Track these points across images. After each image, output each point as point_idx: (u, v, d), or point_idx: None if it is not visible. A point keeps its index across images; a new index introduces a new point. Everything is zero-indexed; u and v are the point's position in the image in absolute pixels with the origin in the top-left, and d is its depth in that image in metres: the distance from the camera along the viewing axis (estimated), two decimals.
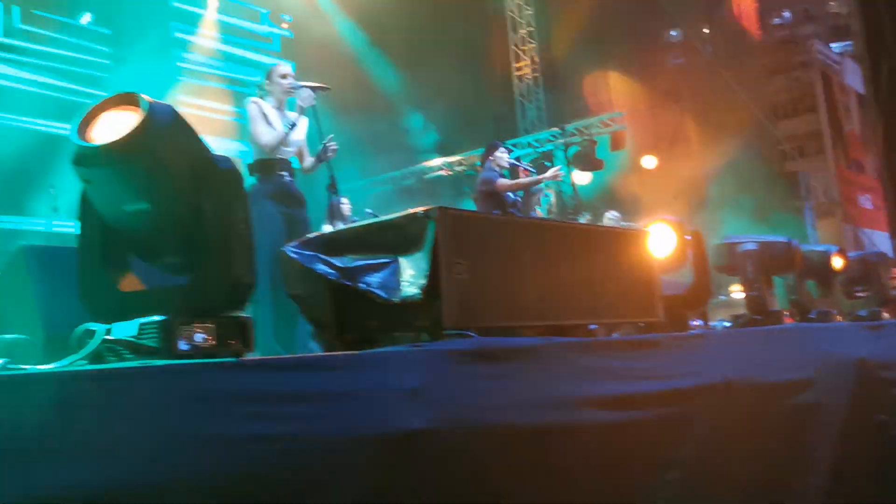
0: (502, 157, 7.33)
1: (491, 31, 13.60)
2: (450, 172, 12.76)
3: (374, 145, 11.13)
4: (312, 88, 4.94)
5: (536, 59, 13.57)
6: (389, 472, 2.17)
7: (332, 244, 2.93)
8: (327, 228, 5.86)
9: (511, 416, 2.52)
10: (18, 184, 9.67)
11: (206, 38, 12.67)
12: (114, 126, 2.00)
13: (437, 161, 12.79)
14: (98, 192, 2.07)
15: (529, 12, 13.58)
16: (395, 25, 12.65)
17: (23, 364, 2.12)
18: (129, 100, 2.01)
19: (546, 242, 3.15)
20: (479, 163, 7.38)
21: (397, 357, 2.37)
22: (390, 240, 2.84)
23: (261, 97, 5.15)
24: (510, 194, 7.04)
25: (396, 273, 2.76)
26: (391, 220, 2.87)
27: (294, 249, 2.86)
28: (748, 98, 12.65)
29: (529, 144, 13.14)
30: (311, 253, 2.86)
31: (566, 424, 2.63)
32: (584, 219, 7.99)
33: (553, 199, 9.23)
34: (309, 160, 5.21)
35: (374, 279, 2.76)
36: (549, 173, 7.30)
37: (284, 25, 13.67)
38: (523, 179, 7.19)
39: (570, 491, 2.63)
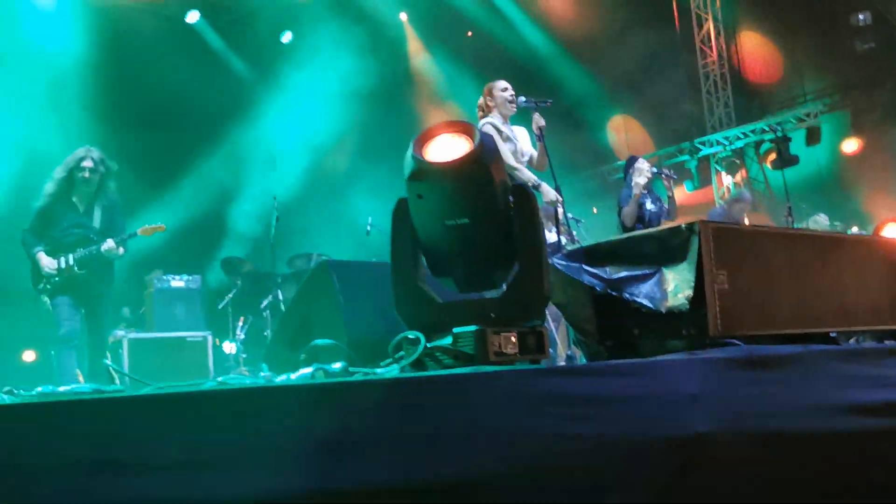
0: (643, 167, 7.16)
1: (676, 29, 13.43)
2: None
3: (559, 147, 11.28)
4: (536, 103, 5.16)
5: (724, 54, 13.28)
6: (678, 471, 2.35)
7: (593, 255, 3.13)
8: (547, 234, 6.02)
9: (780, 421, 2.63)
10: None
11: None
12: (445, 148, 2.32)
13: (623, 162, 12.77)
14: (425, 206, 2.36)
15: (715, 8, 13.31)
16: (580, 27, 12.77)
17: (347, 366, 2.44)
18: (460, 127, 2.32)
19: (797, 252, 3.22)
20: (654, 168, 7.16)
21: (677, 365, 2.54)
22: (652, 251, 3.00)
23: (483, 116, 5.32)
24: (647, 208, 6.93)
25: (660, 283, 2.92)
26: (653, 233, 3.04)
27: (560, 261, 3.08)
28: None
29: (718, 142, 12.91)
30: (577, 264, 3.06)
31: (830, 431, 2.71)
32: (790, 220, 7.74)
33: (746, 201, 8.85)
34: (537, 156, 5.32)
35: (639, 289, 2.93)
36: (642, 179, 6.87)
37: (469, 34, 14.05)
38: (635, 196, 6.82)
39: (836, 495, 2.70)
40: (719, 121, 13.12)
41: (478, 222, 2.35)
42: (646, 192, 7.06)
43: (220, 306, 8.45)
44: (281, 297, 8.34)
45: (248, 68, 12.12)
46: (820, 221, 8.70)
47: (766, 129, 12.31)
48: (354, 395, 1.89)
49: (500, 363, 2.34)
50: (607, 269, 3.05)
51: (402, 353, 2.48)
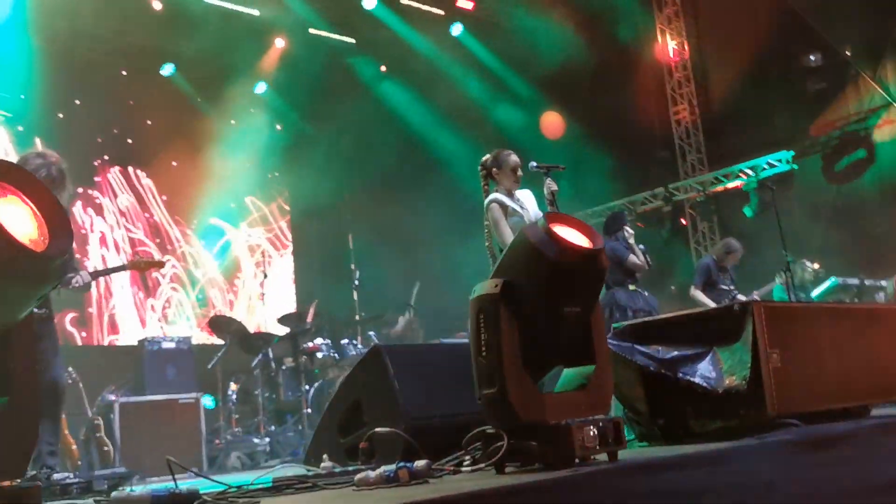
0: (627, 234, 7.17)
1: (648, 76, 13.65)
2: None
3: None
4: (548, 168, 5.13)
5: (694, 102, 13.53)
6: None
7: (644, 334, 3.15)
8: None
9: (855, 502, 2.64)
10: None
11: None
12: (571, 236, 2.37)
13: (604, 207, 12.92)
14: (554, 289, 2.37)
15: (684, 57, 13.61)
16: (552, 72, 12.87)
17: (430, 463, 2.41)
18: (572, 221, 2.48)
19: (840, 326, 3.27)
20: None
21: (745, 452, 2.55)
22: (704, 331, 3.03)
23: (487, 188, 5.05)
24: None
25: (715, 363, 2.94)
26: (704, 312, 3.08)
27: (612, 341, 3.08)
28: None
29: (691, 188, 13.11)
30: (629, 344, 3.08)
31: None
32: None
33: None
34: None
35: (694, 370, 2.95)
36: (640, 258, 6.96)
37: None
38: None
39: None
40: (692, 167, 13.34)
41: (584, 313, 2.39)
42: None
43: (209, 366, 8.29)
44: (272, 355, 8.24)
45: None
46: (810, 268, 8.69)
47: (738, 173, 12.54)
48: None
49: (583, 457, 2.33)
50: (659, 348, 3.07)
51: (477, 444, 2.47)
